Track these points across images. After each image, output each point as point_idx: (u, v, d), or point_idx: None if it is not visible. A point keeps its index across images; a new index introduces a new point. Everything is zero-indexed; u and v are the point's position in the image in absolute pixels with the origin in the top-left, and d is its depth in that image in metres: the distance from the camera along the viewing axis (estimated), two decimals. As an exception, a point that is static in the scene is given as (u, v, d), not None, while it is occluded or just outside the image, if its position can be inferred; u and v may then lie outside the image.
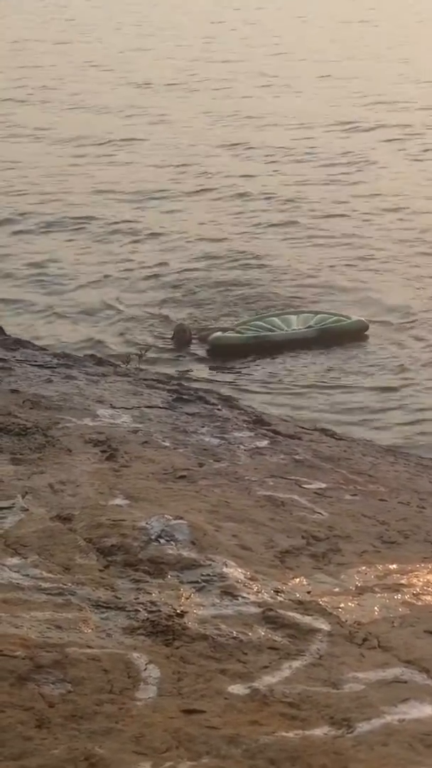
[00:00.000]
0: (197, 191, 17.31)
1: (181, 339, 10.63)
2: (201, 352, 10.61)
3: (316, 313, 11.46)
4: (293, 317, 11.33)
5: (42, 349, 8.85)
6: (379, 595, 4.50)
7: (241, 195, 16.83)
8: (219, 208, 16.29)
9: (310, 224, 15.13)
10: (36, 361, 8.16)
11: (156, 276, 13.10)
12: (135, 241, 14.65)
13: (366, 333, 11.16)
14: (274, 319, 11.26)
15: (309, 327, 11.06)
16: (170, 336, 10.81)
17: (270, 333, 10.91)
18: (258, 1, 44.23)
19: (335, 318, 11.27)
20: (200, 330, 11.08)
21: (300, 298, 12.20)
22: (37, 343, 9.43)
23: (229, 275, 12.92)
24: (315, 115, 22.73)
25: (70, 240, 14.81)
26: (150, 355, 10.64)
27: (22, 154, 20.02)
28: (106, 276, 13.21)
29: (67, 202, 16.53)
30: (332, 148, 19.90)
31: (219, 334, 10.80)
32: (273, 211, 15.98)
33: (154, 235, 15.03)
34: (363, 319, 11.30)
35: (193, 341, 10.72)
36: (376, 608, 4.35)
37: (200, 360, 10.54)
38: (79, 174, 18.64)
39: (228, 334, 10.83)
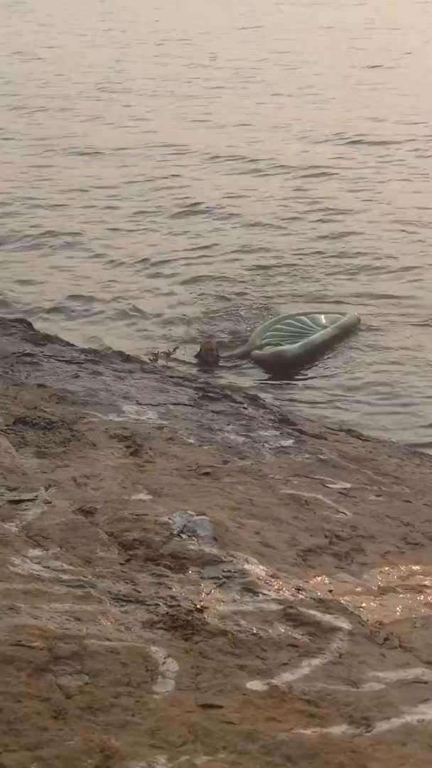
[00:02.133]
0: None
1: (208, 357, 10.44)
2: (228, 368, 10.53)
3: (319, 312, 11.65)
4: (306, 318, 11.41)
5: (70, 344, 8.84)
6: (401, 595, 4.47)
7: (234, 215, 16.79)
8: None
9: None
10: (64, 357, 8.15)
11: (187, 281, 13.15)
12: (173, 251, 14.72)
13: (359, 325, 11.47)
14: (291, 321, 11.27)
15: (324, 326, 11.20)
16: (196, 354, 10.65)
17: (313, 337, 10.93)
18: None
19: (337, 315, 11.51)
20: (230, 344, 11.02)
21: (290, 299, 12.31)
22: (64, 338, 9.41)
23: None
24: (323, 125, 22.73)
25: (100, 248, 14.89)
26: (178, 352, 10.67)
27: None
28: (138, 279, 13.31)
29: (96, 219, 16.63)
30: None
31: (285, 347, 10.69)
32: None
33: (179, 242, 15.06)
34: (355, 313, 11.61)
35: (221, 360, 10.56)
36: (398, 608, 4.32)
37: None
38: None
39: (288, 346, 10.71)
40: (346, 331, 11.22)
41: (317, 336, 10.91)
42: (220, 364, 10.50)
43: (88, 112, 24.10)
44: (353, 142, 20.62)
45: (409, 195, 16.94)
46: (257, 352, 10.63)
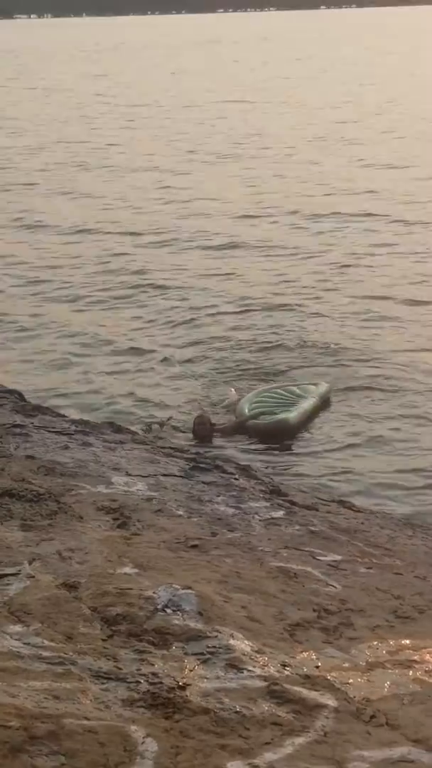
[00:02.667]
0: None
1: (202, 431, 10.36)
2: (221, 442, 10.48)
3: (292, 384, 11.71)
4: (281, 390, 11.44)
5: (60, 415, 8.82)
6: (390, 671, 4.37)
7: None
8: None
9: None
10: (54, 428, 8.12)
11: (183, 346, 13.21)
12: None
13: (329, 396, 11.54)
14: (268, 395, 11.33)
15: (304, 397, 11.24)
16: (191, 428, 10.58)
17: (304, 405, 10.95)
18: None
19: (310, 386, 11.56)
20: (222, 415, 11.01)
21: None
22: (56, 409, 9.39)
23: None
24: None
25: (91, 302, 15.01)
26: (172, 422, 10.63)
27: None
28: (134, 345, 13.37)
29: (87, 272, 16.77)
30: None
31: (284, 415, 10.66)
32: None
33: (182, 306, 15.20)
34: (327, 384, 11.68)
35: (215, 434, 10.49)
36: (386, 684, 4.22)
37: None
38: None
39: (287, 414, 10.68)
40: (324, 401, 11.27)
41: (307, 403, 10.92)
42: (215, 436, 10.44)
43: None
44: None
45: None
46: (255, 422, 10.57)
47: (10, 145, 33.93)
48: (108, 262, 18.05)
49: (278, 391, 11.38)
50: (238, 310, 14.99)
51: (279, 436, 10.36)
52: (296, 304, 15.16)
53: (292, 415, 10.59)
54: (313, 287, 16.01)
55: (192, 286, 16.35)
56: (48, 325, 14.38)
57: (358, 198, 22.69)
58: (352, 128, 34.62)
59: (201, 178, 26.05)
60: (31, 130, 38.36)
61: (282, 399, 11.09)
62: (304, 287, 16.04)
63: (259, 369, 12.42)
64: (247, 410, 10.78)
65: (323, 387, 11.48)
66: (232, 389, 11.56)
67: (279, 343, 13.37)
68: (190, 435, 10.24)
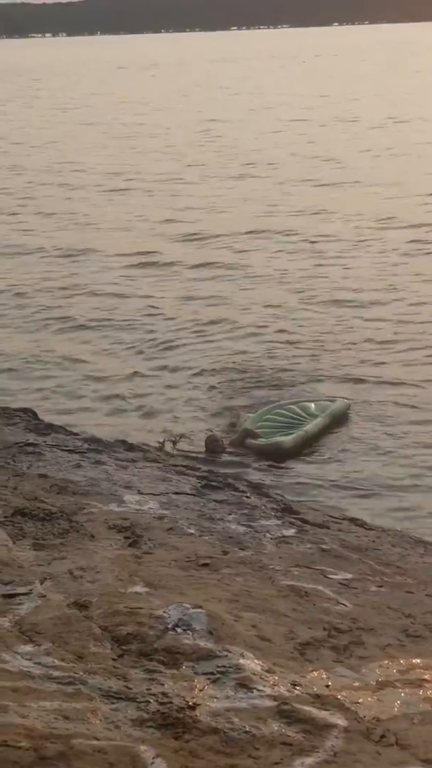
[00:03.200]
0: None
1: (215, 448, 10.44)
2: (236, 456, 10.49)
3: (309, 400, 11.67)
4: (295, 407, 11.43)
5: (73, 434, 8.85)
6: (400, 690, 4.37)
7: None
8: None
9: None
10: (66, 446, 8.15)
11: (196, 365, 13.24)
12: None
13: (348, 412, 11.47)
14: (281, 411, 11.32)
15: (314, 414, 11.23)
16: (203, 444, 10.62)
17: (307, 427, 10.90)
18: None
19: (326, 402, 11.51)
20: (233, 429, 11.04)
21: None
22: (69, 428, 9.42)
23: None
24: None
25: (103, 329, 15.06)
26: (185, 439, 10.65)
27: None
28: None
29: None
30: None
31: (281, 438, 10.65)
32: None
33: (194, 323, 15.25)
34: (345, 399, 11.64)
35: (226, 452, 10.53)
36: (396, 704, 4.22)
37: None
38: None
39: (283, 438, 10.68)
40: (337, 419, 11.26)
41: (310, 427, 10.90)
42: (228, 451, 10.46)
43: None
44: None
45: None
46: (253, 441, 10.60)
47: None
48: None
49: (291, 407, 11.37)
50: (252, 322, 15.02)
51: (273, 458, 10.36)
52: (314, 316, 15.17)
53: (288, 438, 10.60)
54: (334, 300, 16.03)
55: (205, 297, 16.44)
56: (59, 344, 14.43)
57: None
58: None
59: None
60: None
61: (289, 419, 11.10)
62: (322, 302, 16.06)
63: (275, 382, 12.41)
64: (253, 427, 10.80)
65: (338, 404, 11.46)
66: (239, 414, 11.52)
67: (297, 355, 13.37)
68: (203, 452, 10.26)
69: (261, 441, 10.58)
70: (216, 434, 10.61)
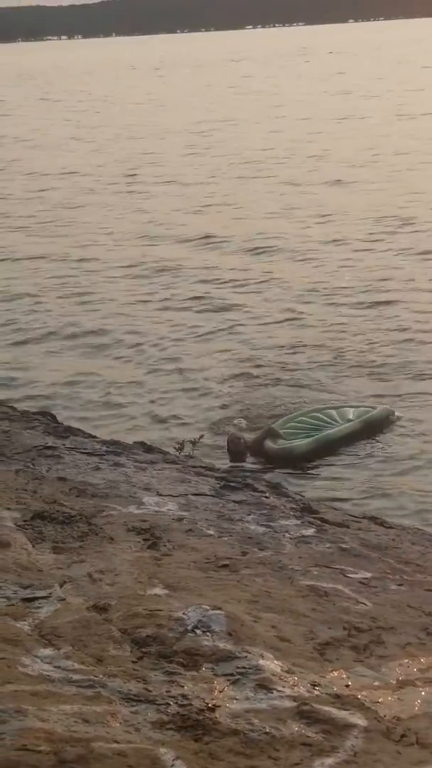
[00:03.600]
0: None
1: (236, 447, 10.36)
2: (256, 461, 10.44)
3: (350, 406, 11.52)
4: (334, 412, 11.29)
5: (92, 436, 8.87)
6: (420, 689, 4.36)
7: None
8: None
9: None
10: (85, 449, 8.17)
11: (219, 367, 13.24)
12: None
13: (392, 419, 11.25)
14: (317, 415, 11.19)
15: (350, 420, 11.05)
16: (224, 446, 10.59)
17: (328, 432, 10.78)
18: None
19: (366, 408, 11.32)
20: (253, 431, 10.97)
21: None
22: (87, 429, 9.45)
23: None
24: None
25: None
26: (204, 441, 10.66)
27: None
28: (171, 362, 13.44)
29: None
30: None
31: (294, 443, 10.54)
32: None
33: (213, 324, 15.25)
34: (388, 406, 11.43)
35: (248, 452, 10.46)
36: (416, 703, 4.21)
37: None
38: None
39: (298, 442, 10.59)
40: (373, 426, 11.07)
41: (333, 431, 10.78)
42: (249, 453, 10.43)
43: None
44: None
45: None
46: (269, 444, 10.52)
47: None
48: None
49: (329, 412, 11.26)
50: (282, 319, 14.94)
51: (283, 463, 10.27)
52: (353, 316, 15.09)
53: (301, 444, 10.51)
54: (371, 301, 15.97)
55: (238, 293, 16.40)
56: (79, 346, 14.46)
57: None
58: None
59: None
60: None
61: (323, 422, 11.00)
62: (359, 303, 15.97)
63: (306, 388, 12.30)
64: (280, 426, 10.77)
65: (377, 412, 11.27)
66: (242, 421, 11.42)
67: (334, 357, 13.28)
68: (222, 453, 10.27)
69: (278, 443, 10.51)
70: (237, 433, 10.57)
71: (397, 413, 11.42)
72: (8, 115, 55.35)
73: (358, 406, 11.48)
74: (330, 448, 10.66)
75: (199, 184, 28.41)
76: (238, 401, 11.97)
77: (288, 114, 46.22)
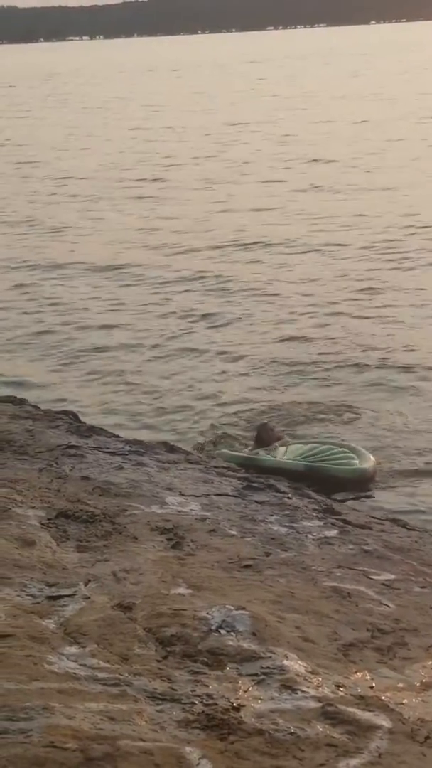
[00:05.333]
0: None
1: (266, 439, 10.14)
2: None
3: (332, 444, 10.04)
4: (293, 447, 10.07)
5: (115, 436, 8.89)
6: (444, 691, 4.37)
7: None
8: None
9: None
10: (108, 448, 8.19)
11: (239, 369, 13.26)
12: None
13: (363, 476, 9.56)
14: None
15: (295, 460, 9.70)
16: (253, 436, 10.42)
17: (259, 457, 9.68)
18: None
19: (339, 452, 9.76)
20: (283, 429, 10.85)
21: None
22: (110, 428, 9.48)
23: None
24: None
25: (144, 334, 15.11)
26: (225, 441, 10.66)
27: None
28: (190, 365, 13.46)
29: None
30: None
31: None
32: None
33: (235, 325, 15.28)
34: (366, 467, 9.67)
35: (278, 440, 10.19)
36: (440, 705, 4.22)
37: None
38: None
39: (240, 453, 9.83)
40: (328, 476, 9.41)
41: (271, 461, 9.53)
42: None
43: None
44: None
45: None
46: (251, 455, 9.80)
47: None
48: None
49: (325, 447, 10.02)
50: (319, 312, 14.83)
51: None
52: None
53: (240, 455, 9.73)
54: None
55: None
56: (102, 346, 14.51)
57: None
58: None
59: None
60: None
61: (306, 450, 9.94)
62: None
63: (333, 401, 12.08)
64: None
65: (342, 469, 9.54)
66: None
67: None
68: (255, 445, 10.20)
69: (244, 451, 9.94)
70: (268, 423, 10.46)
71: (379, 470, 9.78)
72: (26, 117, 55.52)
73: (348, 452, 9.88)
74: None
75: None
76: (260, 404, 11.97)
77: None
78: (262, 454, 9.84)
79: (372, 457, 9.75)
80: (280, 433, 10.39)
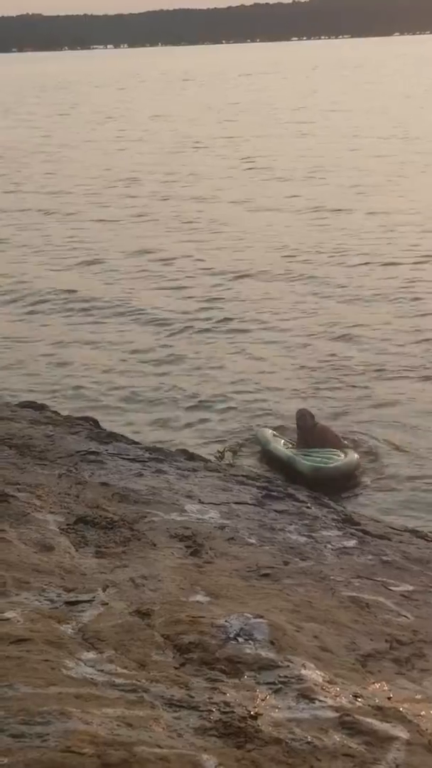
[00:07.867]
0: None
1: (304, 426, 10.48)
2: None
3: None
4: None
5: (135, 442, 8.90)
6: (462, 703, 4.34)
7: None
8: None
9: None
10: (128, 455, 8.20)
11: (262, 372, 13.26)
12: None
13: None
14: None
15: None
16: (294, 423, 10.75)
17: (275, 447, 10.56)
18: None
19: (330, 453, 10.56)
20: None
21: None
22: (130, 435, 9.50)
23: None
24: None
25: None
26: (244, 450, 10.68)
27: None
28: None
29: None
30: None
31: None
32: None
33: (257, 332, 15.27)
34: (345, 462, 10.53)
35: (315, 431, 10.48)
36: (458, 717, 4.19)
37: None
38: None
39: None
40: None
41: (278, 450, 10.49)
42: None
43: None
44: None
45: None
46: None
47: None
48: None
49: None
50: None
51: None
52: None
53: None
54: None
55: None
56: (123, 357, 14.54)
57: None
58: None
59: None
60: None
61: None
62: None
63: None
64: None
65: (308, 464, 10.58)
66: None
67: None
68: (260, 462, 10.28)
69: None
70: (305, 409, 10.72)
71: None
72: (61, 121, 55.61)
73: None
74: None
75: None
76: (278, 413, 11.97)
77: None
78: (283, 443, 10.51)
79: (352, 460, 10.54)
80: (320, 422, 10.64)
